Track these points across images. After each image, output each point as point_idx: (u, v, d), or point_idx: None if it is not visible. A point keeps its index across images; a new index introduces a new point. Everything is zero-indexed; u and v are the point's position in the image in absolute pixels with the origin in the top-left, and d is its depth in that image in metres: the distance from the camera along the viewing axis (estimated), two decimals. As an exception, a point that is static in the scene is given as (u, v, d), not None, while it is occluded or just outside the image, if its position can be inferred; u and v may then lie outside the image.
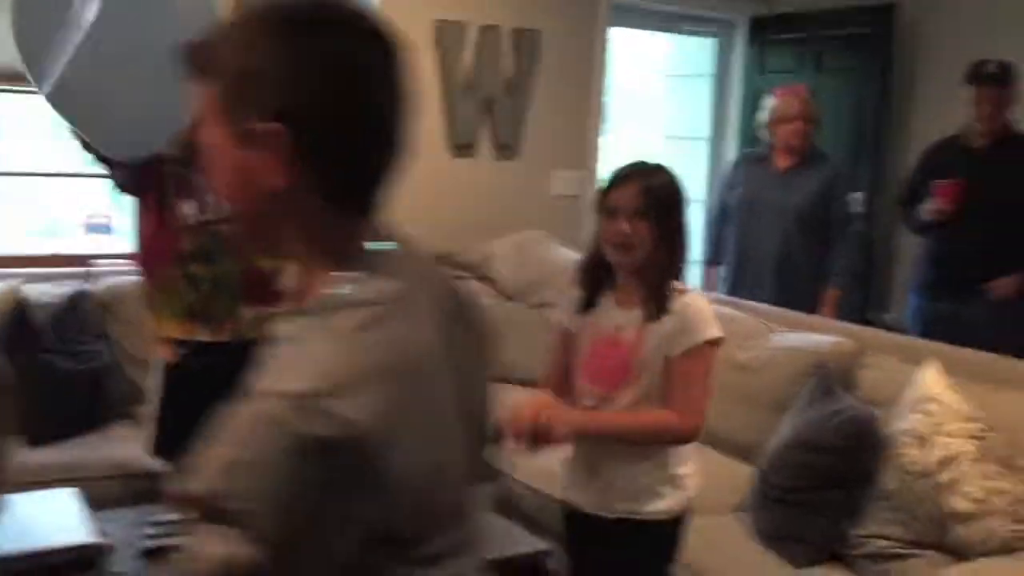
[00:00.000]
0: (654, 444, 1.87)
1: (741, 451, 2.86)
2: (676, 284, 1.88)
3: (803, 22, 4.70)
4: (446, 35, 4.08)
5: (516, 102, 4.31)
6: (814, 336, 2.88)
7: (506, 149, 4.34)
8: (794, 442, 2.38)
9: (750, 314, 3.20)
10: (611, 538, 1.88)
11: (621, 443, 1.88)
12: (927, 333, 3.66)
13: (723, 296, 3.57)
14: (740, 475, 2.69)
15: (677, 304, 1.85)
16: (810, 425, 2.38)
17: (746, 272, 3.85)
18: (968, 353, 2.65)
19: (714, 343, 1.86)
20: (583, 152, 4.58)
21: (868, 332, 3.00)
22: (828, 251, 3.70)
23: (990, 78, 3.49)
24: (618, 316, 1.89)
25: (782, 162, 3.78)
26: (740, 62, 5.05)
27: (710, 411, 2.94)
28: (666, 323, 1.84)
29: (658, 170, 1.92)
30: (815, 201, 3.69)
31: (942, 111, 4.04)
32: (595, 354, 1.92)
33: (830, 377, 2.58)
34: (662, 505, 1.87)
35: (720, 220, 4.05)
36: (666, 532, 1.90)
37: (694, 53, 5.28)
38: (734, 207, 3.93)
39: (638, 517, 1.86)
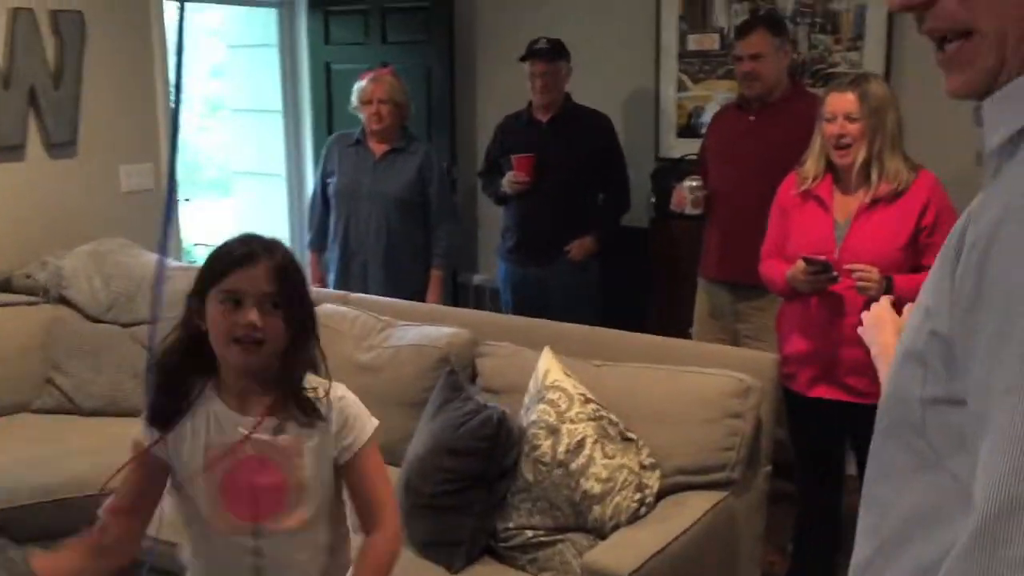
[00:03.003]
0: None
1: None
2: (312, 378, 1.66)
3: (364, -7, 4.68)
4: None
5: (65, 93, 3.82)
6: (431, 329, 2.94)
7: (61, 147, 3.84)
8: (434, 448, 2.43)
9: (363, 310, 3.18)
10: None
11: None
12: (516, 296, 3.94)
13: (333, 291, 3.51)
14: (380, 480, 2.71)
15: (329, 402, 1.64)
16: (446, 429, 2.44)
17: (353, 261, 3.83)
18: (572, 330, 2.87)
19: (376, 433, 1.71)
20: (152, 141, 4.20)
21: (479, 317, 3.13)
22: (430, 233, 3.80)
23: (540, 53, 3.73)
24: (245, 425, 1.61)
25: (376, 148, 3.79)
26: (304, 33, 4.92)
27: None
28: (321, 427, 1.63)
29: (278, 244, 1.64)
30: (411, 187, 3.74)
31: (506, 81, 4.29)
32: (232, 477, 1.61)
33: (456, 373, 2.66)
34: None
35: (323, 205, 3.95)
36: None
37: (258, 23, 5.05)
38: (333, 193, 3.86)
39: None
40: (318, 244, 3.99)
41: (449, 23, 4.51)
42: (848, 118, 2.52)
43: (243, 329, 1.55)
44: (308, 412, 1.62)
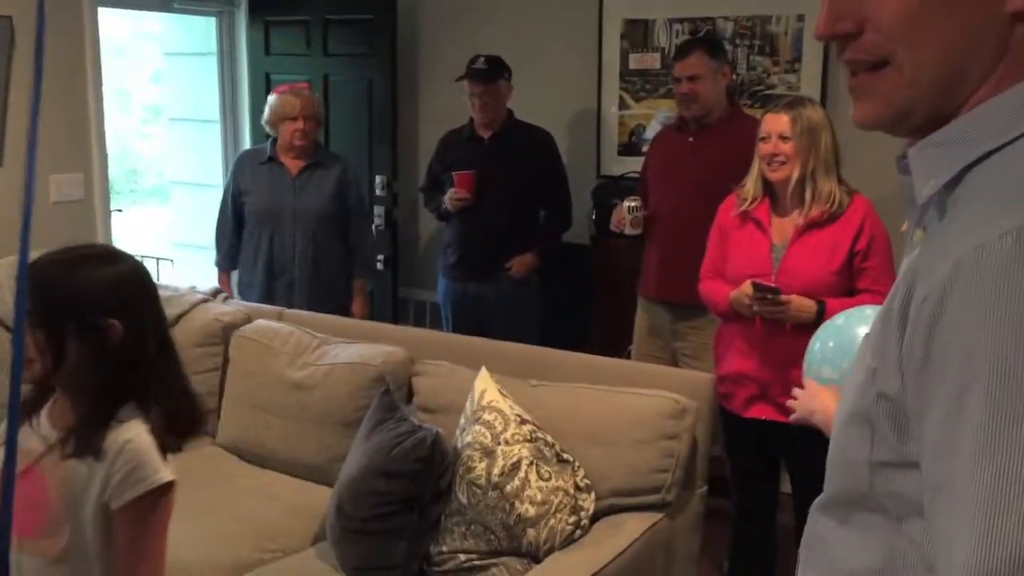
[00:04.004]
0: None
1: (312, 473, 2.83)
2: (127, 412, 1.56)
3: (305, 4, 4.62)
4: None
5: (-8, 100, 3.71)
6: (367, 347, 2.89)
7: (-13, 156, 3.73)
8: (367, 470, 2.39)
9: (298, 326, 3.13)
10: None
11: None
12: (456, 312, 3.91)
13: (268, 307, 3.44)
14: (315, 500, 2.65)
15: (114, 439, 1.52)
16: (379, 451, 2.39)
17: (278, 281, 3.76)
18: (510, 348, 2.85)
19: (167, 488, 1.55)
20: (84, 150, 4.09)
21: (417, 335, 3.10)
22: (351, 245, 3.81)
23: (478, 74, 3.72)
24: (39, 437, 1.56)
25: (292, 164, 3.73)
26: (244, 42, 4.85)
27: (271, 434, 2.92)
28: (95, 465, 1.51)
29: (49, 260, 1.53)
30: (332, 202, 3.72)
31: (448, 96, 4.26)
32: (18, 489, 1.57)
33: (391, 392, 2.62)
34: None
35: (235, 223, 3.85)
36: None
37: (196, 31, 4.96)
38: (251, 212, 3.78)
39: None
40: (229, 264, 3.91)
41: (392, 36, 4.48)
42: (782, 138, 2.57)
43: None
44: (80, 443, 1.52)
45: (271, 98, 3.76)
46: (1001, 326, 0.65)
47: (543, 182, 3.80)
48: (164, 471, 1.54)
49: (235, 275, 3.93)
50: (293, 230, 3.69)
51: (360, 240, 3.83)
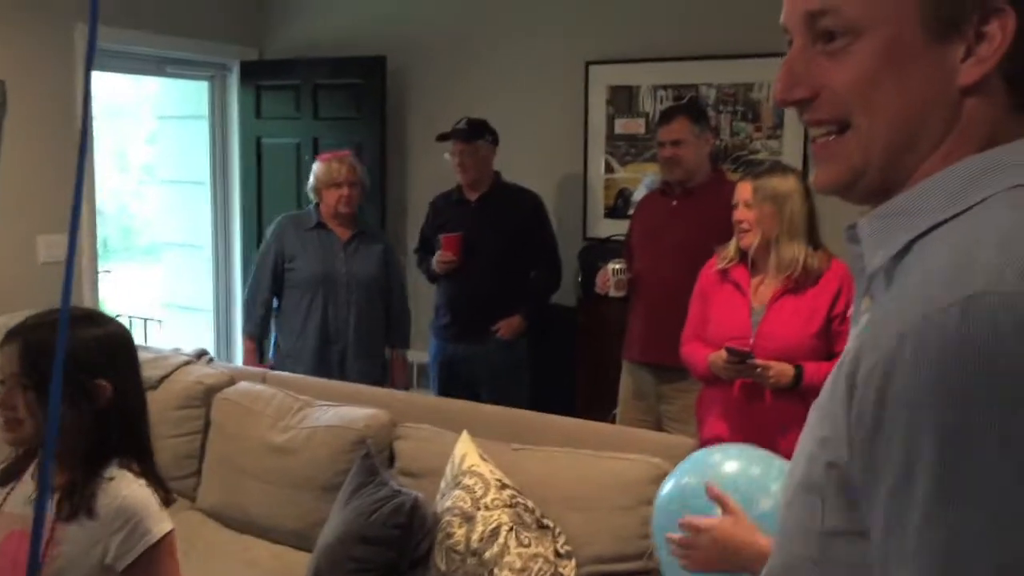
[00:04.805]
0: None
1: (292, 538, 2.79)
2: (113, 471, 1.59)
3: (296, 69, 4.70)
4: None
5: (-17, 162, 3.74)
6: (349, 410, 2.88)
7: (-25, 217, 3.75)
8: (345, 536, 2.36)
9: (282, 388, 3.11)
10: None
11: None
12: (447, 373, 3.90)
13: (251, 368, 3.44)
14: (295, 567, 2.62)
15: (108, 498, 1.55)
16: (359, 517, 2.37)
17: (330, 350, 3.72)
18: (493, 411, 2.84)
19: (168, 538, 1.60)
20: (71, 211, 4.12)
21: (400, 398, 3.08)
22: (392, 315, 3.88)
23: (459, 134, 3.75)
24: (26, 501, 1.57)
25: (341, 232, 3.73)
26: (235, 106, 4.92)
27: (251, 499, 2.89)
28: (90, 525, 1.54)
29: (43, 323, 1.59)
30: (380, 271, 3.77)
31: (437, 159, 4.30)
32: (5, 553, 1.56)
33: (371, 456, 2.60)
34: None
35: (270, 291, 3.78)
36: None
37: (188, 95, 5.04)
38: (299, 278, 3.72)
39: None
40: (260, 332, 3.83)
41: (381, 100, 4.55)
42: (746, 205, 2.63)
43: (1, 409, 1.56)
44: (73, 506, 1.55)
45: (315, 165, 3.75)
46: (945, 400, 0.65)
47: (531, 243, 3.82)
48: (164, 521, 1.59)
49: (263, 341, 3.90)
50: (347, 296, 3.69)
51: (402, 311, 3.90)
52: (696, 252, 2.92)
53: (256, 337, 3.83)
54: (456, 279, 3.79)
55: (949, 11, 0.75)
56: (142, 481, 1.62)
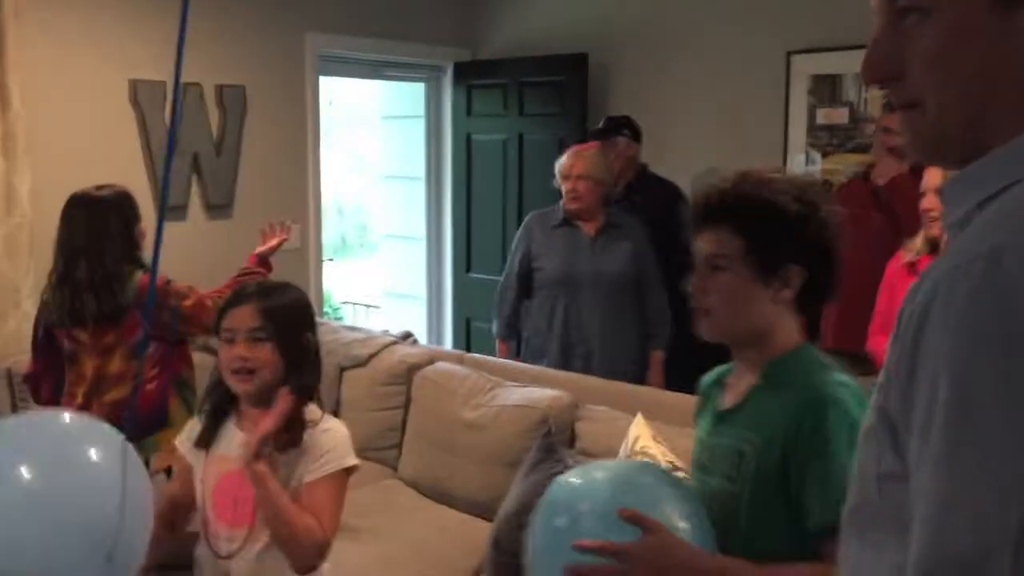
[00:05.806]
0: (292, 544, 1.74)
1: (479, 509, 2.97)
2: (311, 410, 1.84)
3: (503, 68, 4.92)
4: (142, 94, 3.89)
5: (226, 160, 4.19)
6: (535, 390, 3.02)
7: (219, 209, 4.21)
8: (521, 508, 2.49)
9: (473, 368, 3.31)
10: None
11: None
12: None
13: (450, 350, 3.65)
14: (478, 535, 2.79)
15: (311, 434, 1.80)
16: (535, 490, 2.49)
17: (573, 352, 3.49)
18: (669, 398, 2.89)
19: (349, 471, 1.83)
20: (302, 204, 4.53)
21: (583, 381, 3.18)
22: (647, 313, 3.53)
23: (596, 134, 3.90)
24: (242, 443, 1.80)
25: (587, 227, 3.49)
26: (448, 105, 5.20)
27: (444, 471, 3.10)
28: (297, 454, 1.79)
29: (279, 288, 1.90)
30: (630, 266, 3.48)
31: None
32: (224, 490, 1.81)
33: (552, 435, 2.73)
34: None
35: (517, 290, 3.62)
36: None
37: (407, 96, 5.38)
38: (544, 278, 3.53)
39: None
40: (508, 333, 3.70)
41: (582, 96, 4.67)
42: (935, 192, 2.53)
43: (236, 362, 1.79)
44: (286, 437, 1.77)
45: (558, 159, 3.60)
46: (966, 343, 0.69)
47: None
48: (353, 457, 1.83)
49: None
50: (592, 296, 3.46)
51: (659, 309, 3.52)
52: (894, 242, 2.84)
53: (505, 339, 3.72)
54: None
55: None
56: (340, 420, 1.90)
